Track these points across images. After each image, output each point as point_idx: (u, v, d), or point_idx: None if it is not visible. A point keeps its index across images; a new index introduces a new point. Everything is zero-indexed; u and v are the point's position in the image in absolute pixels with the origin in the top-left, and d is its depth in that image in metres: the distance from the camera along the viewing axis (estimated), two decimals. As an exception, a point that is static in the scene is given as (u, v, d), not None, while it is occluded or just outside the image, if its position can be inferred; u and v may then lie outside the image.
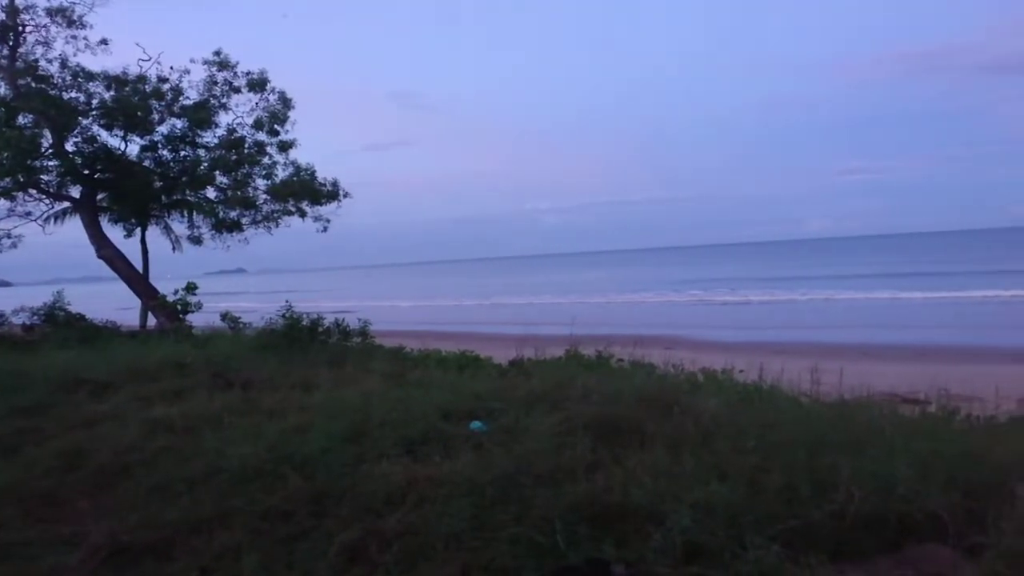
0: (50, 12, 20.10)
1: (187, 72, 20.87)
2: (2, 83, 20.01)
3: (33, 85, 19.35)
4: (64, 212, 21.44)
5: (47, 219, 21.36)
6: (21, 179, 19.36)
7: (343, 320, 14.52)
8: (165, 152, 21.60)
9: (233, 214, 21.88)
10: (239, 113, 21.44)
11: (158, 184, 21.39)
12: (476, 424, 6.54)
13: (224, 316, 17.21)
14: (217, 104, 21.18)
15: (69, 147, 20.28)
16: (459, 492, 4.74)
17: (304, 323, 13.70)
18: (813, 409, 6.67)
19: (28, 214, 21.02)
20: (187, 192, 21.68)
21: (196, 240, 22.44)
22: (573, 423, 5.99)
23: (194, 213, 22.19)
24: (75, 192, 21.04)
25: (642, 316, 29.71)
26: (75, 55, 20.29)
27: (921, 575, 4.02)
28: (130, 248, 21.58)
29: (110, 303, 26.63)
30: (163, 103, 20.71)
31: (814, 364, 8.85)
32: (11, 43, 20.11)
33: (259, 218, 21.94)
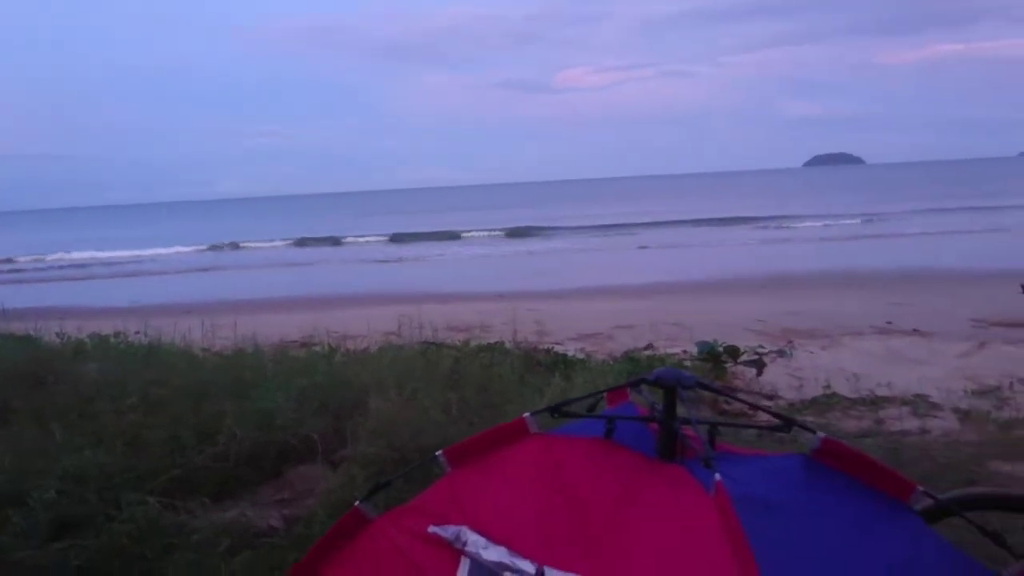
0: None
1: None
2: None
3: None
4: None
5: None
6: None
7: None
8: None
9: None
10: None
11: None
12: None
13: None
14: None
15: None
16: None
17: None
18: (204, 361, 6.73)
19: None
20: None
21: None
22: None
23: None
24: None
25: (26, 287, 25.92)
26: None
27: (296, 493, 4.44)
28: None
29: None
30: None
31: (212, 320, 8.95)
32: None
33: None
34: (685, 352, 8.14)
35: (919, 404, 6.34)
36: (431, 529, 1.72)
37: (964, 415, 6.04)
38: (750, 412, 5.48)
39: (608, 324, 11.74)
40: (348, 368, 6.61)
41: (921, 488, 1.65)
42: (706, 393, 5.43)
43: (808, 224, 36.15)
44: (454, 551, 1.69)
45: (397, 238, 42.07)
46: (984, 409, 6.12)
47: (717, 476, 1.48)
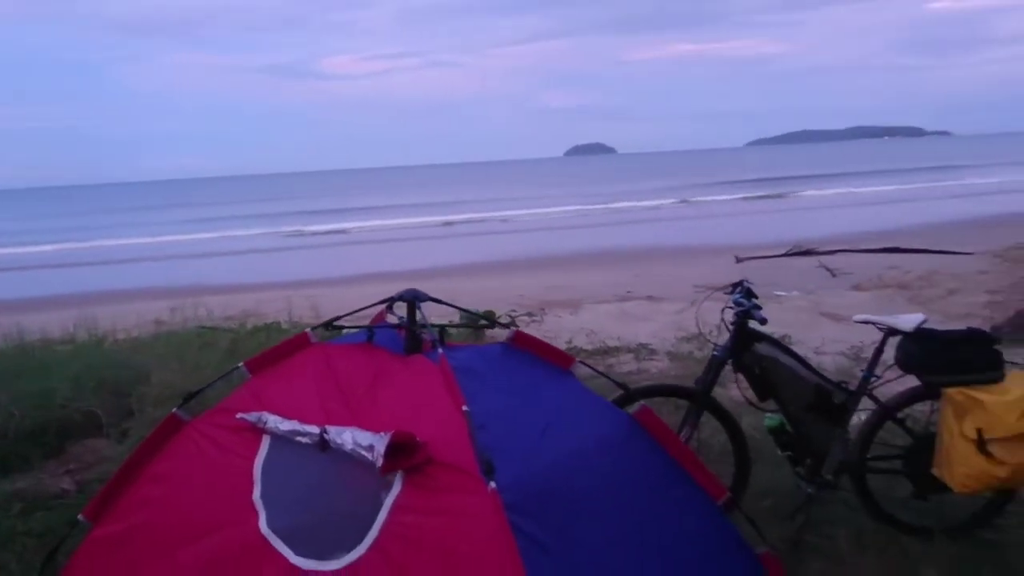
0: None
1: None
2: None
3: None
4: None
5: None
6: None
7: None
8: None
9: None
10: None
11: None
12: None
13: None
14: None
15: None
16: None
17: None
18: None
19: None
20: None
21: None
22: None
23: None
24: None
25: None
26: None
27: (83, 465, 4.65)
28: None
29: None
30: None
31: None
32: None
33: None
34: (451, 321, 8.97)
35: (640, 351, 7.64)
36: (238, 416, 2.29)
37: (673, 356, 7.41)
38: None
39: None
40: (121, 352, 6.73)
41: (578, 359, 2.50)
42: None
43: (566, 208, 38.98)
44: (256, 432, 2.27)
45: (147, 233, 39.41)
46: (688, 351, 7.53)
47: (440, 351, 2.21)
